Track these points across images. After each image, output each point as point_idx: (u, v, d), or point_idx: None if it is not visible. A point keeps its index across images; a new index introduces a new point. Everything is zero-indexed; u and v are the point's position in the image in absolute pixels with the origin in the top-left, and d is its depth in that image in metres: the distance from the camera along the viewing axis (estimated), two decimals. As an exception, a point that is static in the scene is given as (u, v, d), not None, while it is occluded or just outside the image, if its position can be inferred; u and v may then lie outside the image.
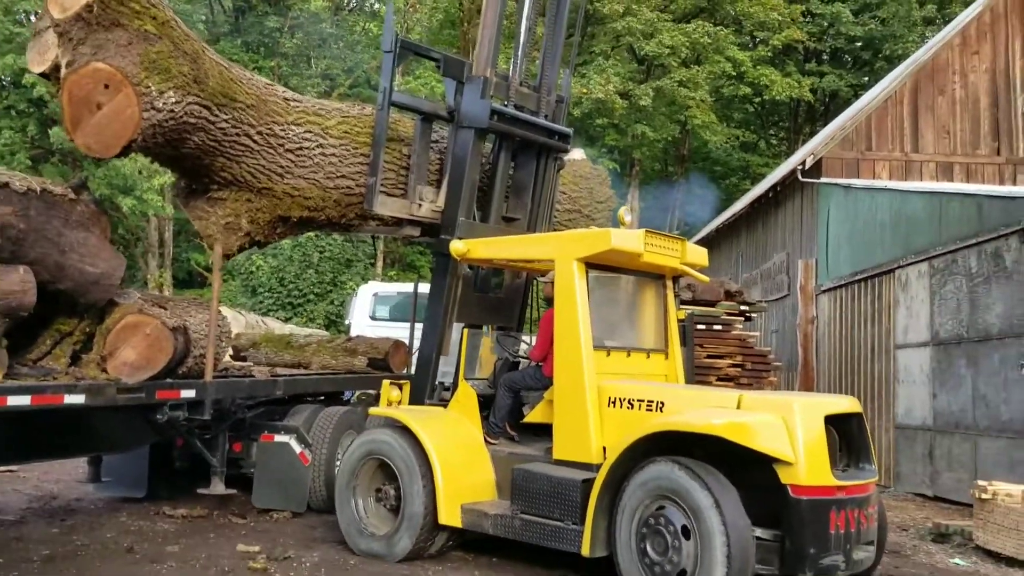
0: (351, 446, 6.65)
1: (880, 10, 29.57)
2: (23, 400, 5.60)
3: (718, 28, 26.74)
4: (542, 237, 6.67)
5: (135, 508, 7.88)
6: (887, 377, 11.90)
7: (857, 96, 28.84)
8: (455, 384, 6.65)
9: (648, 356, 6.25)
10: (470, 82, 6.87)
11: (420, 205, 6.93)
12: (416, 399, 6.79)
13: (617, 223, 6.06)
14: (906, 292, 11.44)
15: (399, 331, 10.96)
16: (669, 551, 4.95)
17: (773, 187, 17.10)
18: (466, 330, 6.75)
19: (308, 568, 6.09)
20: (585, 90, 24.76)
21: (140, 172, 23.69)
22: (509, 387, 6.55)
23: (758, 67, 27.61)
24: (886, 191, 12.85)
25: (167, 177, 23.57)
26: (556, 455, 5.78)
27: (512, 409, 6.59)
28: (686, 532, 4.88)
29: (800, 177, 14.80)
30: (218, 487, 7.60)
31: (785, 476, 4.77)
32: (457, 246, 6.44)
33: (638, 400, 5.50)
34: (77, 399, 5.97)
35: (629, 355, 6.11)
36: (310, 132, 6.76)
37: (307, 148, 6.73)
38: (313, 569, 6.08)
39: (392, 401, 6.74)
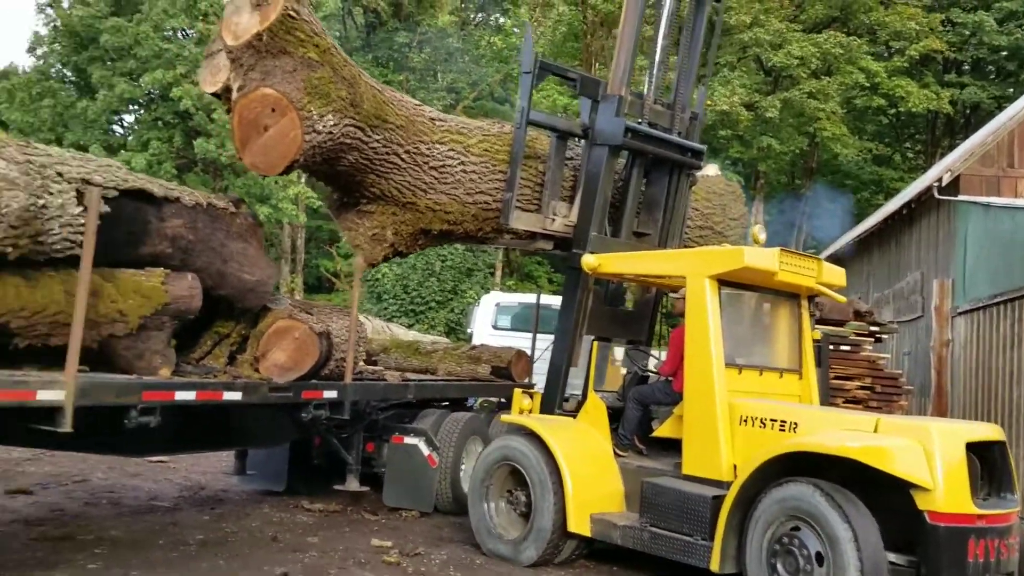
0: (486, 450, 6.89)
1: (1027, 18, 28.20)
2: (189, 395, 5.99)
3: (851, 38, 25.95)
4: (674, 253, 6.75)
5: (276, 501, 8.35)
6: (1026, 405, 11.31)
7: (1001, 109, 27.35)
8: (584, 396, 6.79)
9: (781, 376, 6.24)
10: (605, 101, 7.03)
11: (553, 220, 7.12)
12: (545, 408, 6.97)
13: (750, 240, 6.07)
14: (1053, 316, 10.85)
15: (520, 341, 11.18)
16: (800, 574, 4.96)
17: (907, 204, 16.49)
18: (595, 343, 6.90)
19: (437, 565, 6.37)
20: (709, 102, 24.46)
21: (276, 182, 24.95)
22: (639, 401, 6.65)
23: (893, 78, 26.59)
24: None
25: (300, 187, 24.81)
26: (685, 470, 5.84)
27: (641, 422, 6.69)
28: (819, 559, 4.87)
29: (936, 195, 14.24)
30: (353, 484, 8.01)
31: (923, 502, 4.70)
32: (589, 260, 6.59)
33: (771, 419, 5.51)
34: (235, 396, 6.37)
35: (761, 374, 6.11)
36: (453, 150, 7.05)
37: (449, 165, 7.02)
38: (442, 566, 6.36)
39: (523, 409, 6.94)
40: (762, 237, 6.02)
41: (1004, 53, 29.27)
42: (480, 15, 37.23)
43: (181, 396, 5.95)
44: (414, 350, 10.93)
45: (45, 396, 4.89)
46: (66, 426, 4.97)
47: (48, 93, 26.08)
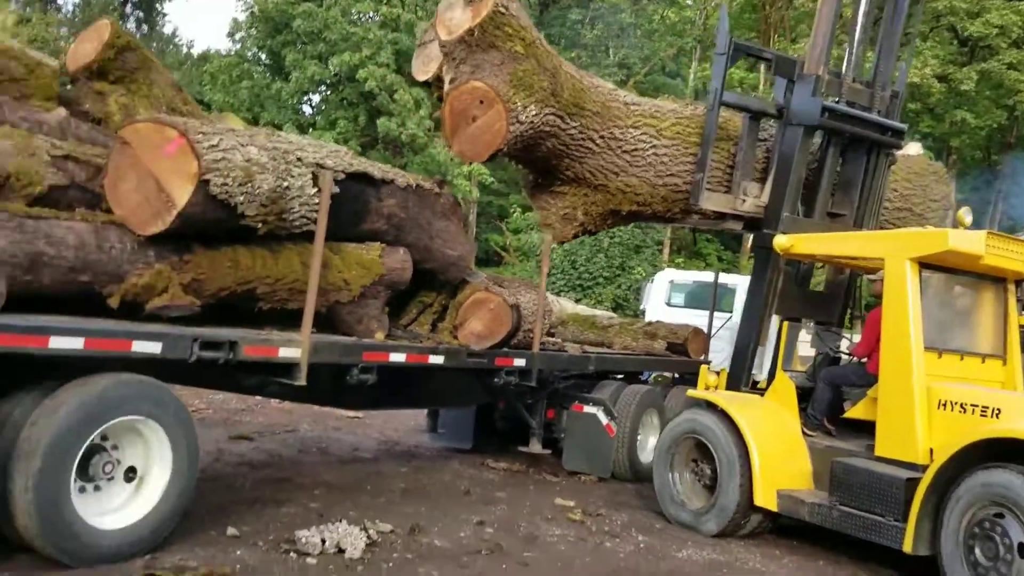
0: (674, 422, 7.11)
1: None
2: (400, 357, 6.57)
3: (1062, 6, 23.94)
4: (872, 235, 6.66)
5: (464, 458, 8.91)
6: None
7: None
8: (772, 375, 6.86)
9: (983, 361, 6.09)
10: (801, 80, 6.99)
11: (744, 200, 7.18)
12: (731, 386, 7.09)
13: (954, 223, 5.92)
14: None
15: (693, 318, 11.25)
16: (999, 562, 4.90)
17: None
18: (786, 323, 6.94)
19: (619, 525, 6.69)
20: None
21: (452, 160, 25.86)
22: (830, 382, 6.66)
23: None
24: None
25: (474, 165, 25.55)
26: (878, 452, 5.83)
27: (831, 403, 6.69)
28: (1021, 549, 4.80)
29: None
30: (536, 447, 8.50)
31: None
32: (781, 241, 6.63)
33: (971, 405, 5.43)
34: (438, 360, 6.92)
35: (962, 359, 5.99)
36: (645, 134, 7.23)
37: (641, 149, 7.21)
38: (624, 527, 6.67)
39: (709, 385, 7.10)
40: (968, 220, 5.87)
41: None
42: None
43: (394, 358, 6.51)
44: (591, 324, 11.21)
45: (285, 353, 5.53)
46: (300, 380, 5.60)
47: (246, 75, 28.05)
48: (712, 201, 7.21)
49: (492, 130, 6.29)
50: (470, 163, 6.79)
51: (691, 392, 7.18)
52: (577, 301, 21.43)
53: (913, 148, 8.59)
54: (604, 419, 8.37)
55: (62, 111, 5.51)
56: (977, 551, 4.99)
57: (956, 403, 5.50)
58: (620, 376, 9.59)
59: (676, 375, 10.48)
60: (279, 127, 24.46)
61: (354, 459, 8.50)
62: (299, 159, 5.59)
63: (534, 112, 6.40)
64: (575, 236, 7.66)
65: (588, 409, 8.47)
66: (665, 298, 14.09)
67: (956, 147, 26.50)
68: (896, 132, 7.27)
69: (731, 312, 11.15)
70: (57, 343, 4.26)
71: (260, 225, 5.31)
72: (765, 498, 6.27)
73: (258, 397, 11.05)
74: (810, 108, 6.88)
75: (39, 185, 4.72)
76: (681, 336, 10.27)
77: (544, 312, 8.21)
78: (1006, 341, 6.21)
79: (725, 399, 6.73)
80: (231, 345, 5.11)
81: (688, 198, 7.28)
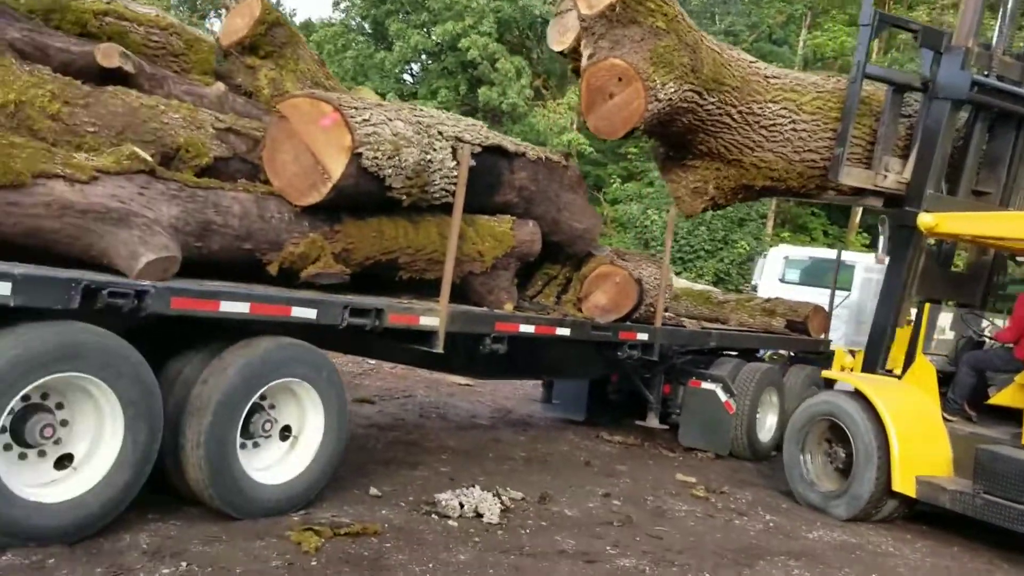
0: (808, 402, 7.01)
1: None
2: (530, 329, 6.62)
3: None
4: None
5: (578, 429, 8.98)
6: None
7: None
8: (910, 357, 6.68)
9: None
10: (949, 52, 6.72)
11: (885, 176, 6.96)
12: (868, 368, 6.93)
13: None
14: None
15: (808, 295, 11.02)
16: None
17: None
18: (927, 304, 6.73)
19: (745, 504, 6.66)
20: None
21: (551, 128, 25.78)
22: (973, 367, 6.44)
23: None
24: None
25: (573, 135, 25.42)
26: (1026, 440, 5.64)
27: (975, 388, 6.48)
28: None
29: None
30: (653, 421, 8.55)
31: None
32: (926, 219, 6.41)
33: None
34: (565, 332, 6.94)
35: (1121, 347, 5.70)
36: (785, 109, 7.06)
37: (780, 124, 7.05)
38: (750, 504, 6.64)
39: (845, 367, 6.96)
40: None
41: None
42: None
43: (524, 328, 6.58)
44: (705, 299, 11.08)
45: (426, 321, 5.65)
46: (438, 347, 5.72)
47: (351, 44, 28.50)
48: (852, 176, 7.01)
49: (630, 108, 6.20)
50: (605, 139, 6.70)
51: (827, 373, 7.06)
52: (677, 274, 21.19)
53: None
54: (723, 396, 8.31)
55: (221, 85, 5.72)
56: None
57: (1119, 394, 5.25)
58: (735, 353, 9.50)
59: (792, 353, 10.29)
60: (383, 95, 24.86)
61: (472, 426, 8.68)
62: (440, 133, 5.68)
63: (673, 89, 6.30)
64: (704, 210, 7.57)
65: (707, 385, 8.43)
66: (780, 274, 13.84)
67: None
68: (1050, 104, 6.94)
69: (849, 290, 10.82)
70: (227, 307, 4.46)
71: (404, 197, 5.41)
72: (904, 484, 6.13)
73: (373, 362, 11.43)
74: (959, 81, 6.61)
75: (206, 157, 4.91)
76: (801, 314, 10.07)
77: (666, 287, 8.17)
78: None
79: (863, 381, 6.58)
80: (378, 312, 5.26)
81: (825, 173, 7.09)
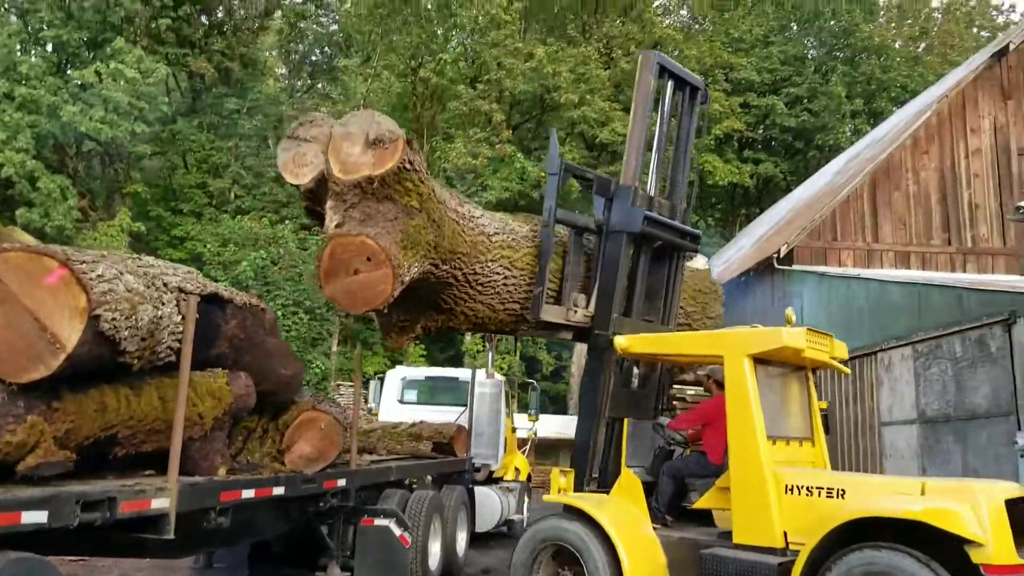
0: (532, 531, 7.10)
1: (812, 103, 32.42)
2: (250, 493, 5.95)
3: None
4: (712, 334, 7.24)
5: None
6: (874, 452, 12.81)
7: (788, 181, 31.36)
8: (615, 472, 7.18)
9: (800, 444, 6.84)
10: (621, 191, 7.64)
11: (575, 311, 7.56)
12: (577, 487, 7.27)
13: (784, 322, 6.63)
14: (889, 373, 12.46)
15: (426, 414, 11.47)
16: None
17: (745, 272, 18.09)
18: (627, 420, 7.33)
19: None
20: (543, 172, 26.07)
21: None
22: (673, 475, 7.10)
23: (703, 155, 29.37)
24: (860, 279, 14.03)
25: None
26: (737, 539, 6.25)
27: (675, 495, 7.13)
28: None
29: (776, 264, 15.88)
30: (335, 571, 7.88)
31: (977, 557, 5.27)
32: (620, 341, 7.04)
33: (817, 487, 6.05)
34: (280, 490, 6.39)
35: (788, 443, 6.70)
36: (500, 266, 7.39)
37: (495, 281, 7.37)
38: None
39: (562, 488, 7.22)
40: (794, 318, 6.65)
41: (792, 134, 33.37)
42: (309, 81, 37.44)
43: (246, 494, 5.89)
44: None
45: (157, 504, 4.77)
46: (170, 533, 4.86)
47: None
48: (550, 313, 7.52)
49: (376, 290, 6.01)
50: (345, 314, 6.39)
51: (550, 497, 7.24)
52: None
53: (700, 261, 9.59)
54: (398, 530, 7.92)
55: None
56: None
57: (803, 487, 6.11)
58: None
59: (431, 477, 10.30)
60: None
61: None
62: (164, 284, 4.97)
63: (416, 269, 6.31)
64: (406, 343, 7.50)
65: (380, 522, 7.95)
66: (398, 395, 13.99)
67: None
68: (694, 237, 8.19)
69: (466, 404, 11.42)
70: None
71: (136, 361, 4.60)
72: (635, 597, 6.48)
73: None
74: (632, 217, 7.51)
75: None
76: (446, 435, 10.30)
77: (355, 427, 7.86)
78: (812, 424, 7.08)
79: (585, 502, 6.88)
80: (110, 502, 4.31)
81: (523, 315, 7.53)
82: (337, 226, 6.07)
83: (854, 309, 13.76)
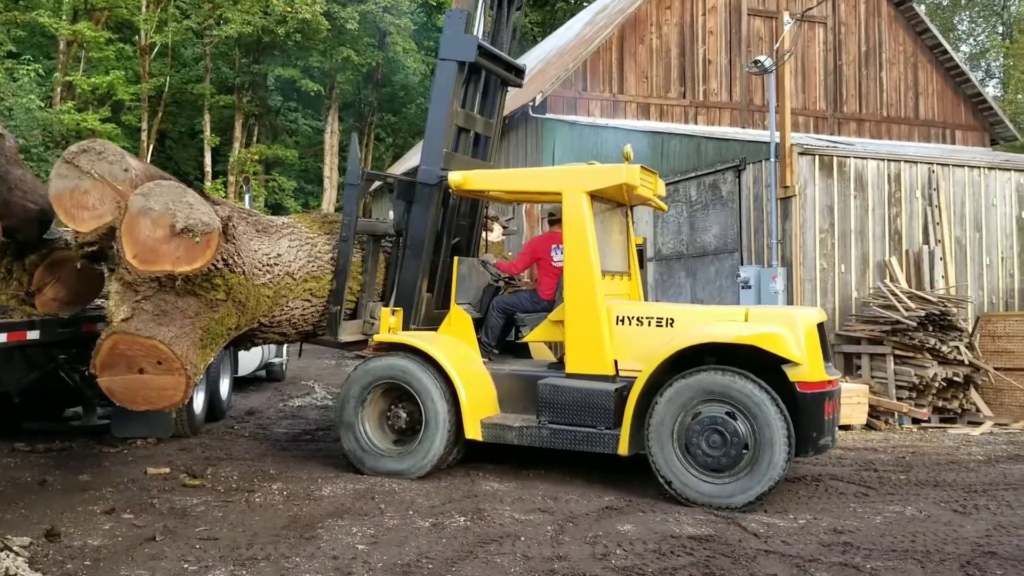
0: (360, 371, 6.68)
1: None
2: (3, 337, 5.39)
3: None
4: (552, 170, 7.00)
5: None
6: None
7: (534, 33, 31.55)
8: (444, 309, 6.91)
9: (621, 278, 6.98)
10: (454, 15, 7.10)
11: (373, 323, 6.93)
12: (405, 326, 6.90)
13: (622, 158, 6.51)
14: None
15: None
16: (727, 447, 5.67)
17: (507, 116, 18.23)
18: (456, 258, 6.97)
19: (241, 479, 6.37)
20: (289, 9, 24.07)
21: None
22: (503, 311, 6.95)
23: None
24: (608, 128, 14.73)
25: None
26: (570, 369, 6.32)
27: (504, 330, 7.01)
28: (743, 437, 5.65)
29: (531, 112, 16.24)
30: (92, 418, 7.52)
31: (793, 376, 5.78)
32: (456, 177, 6.60)
33: (647, 317, 6.24)
34: (35, 335, 5.80)
35: (614, 278, 6.80)
36: (301, 300, 6.68)
37: (292, 316, 6.70)
38: (246, 479, 6.36)
39: (392, 328, 6.78)
40: (632, 154, 6.56)
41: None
42: None
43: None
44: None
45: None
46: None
47: None
48: (348, 331, 6.90)
49: (163, 395, 5.25)
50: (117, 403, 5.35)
51: (378, 336, 6.76)
52: None
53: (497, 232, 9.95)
54: None
55: None
56: (703, 445, 5.72)
57: (633, 317, 6.26)
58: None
59: None
60: None
61: None
62: None
63: (212, 360, 5.81)
64: None
65: None
66: None
67: (340, 81, 28.44)
68: (518, 71, 7.85)
69: None
70: None
71: None
72: (473, 430, 6.36)
73: None
74: (466, 44, 6.96)
75: None
76: None
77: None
78: (630, 259, 7.24)
79: (419, 339, 6.55)
80: None
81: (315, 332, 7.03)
82: (124, 320, 5.12)
83: (602, 157, 14.31)
